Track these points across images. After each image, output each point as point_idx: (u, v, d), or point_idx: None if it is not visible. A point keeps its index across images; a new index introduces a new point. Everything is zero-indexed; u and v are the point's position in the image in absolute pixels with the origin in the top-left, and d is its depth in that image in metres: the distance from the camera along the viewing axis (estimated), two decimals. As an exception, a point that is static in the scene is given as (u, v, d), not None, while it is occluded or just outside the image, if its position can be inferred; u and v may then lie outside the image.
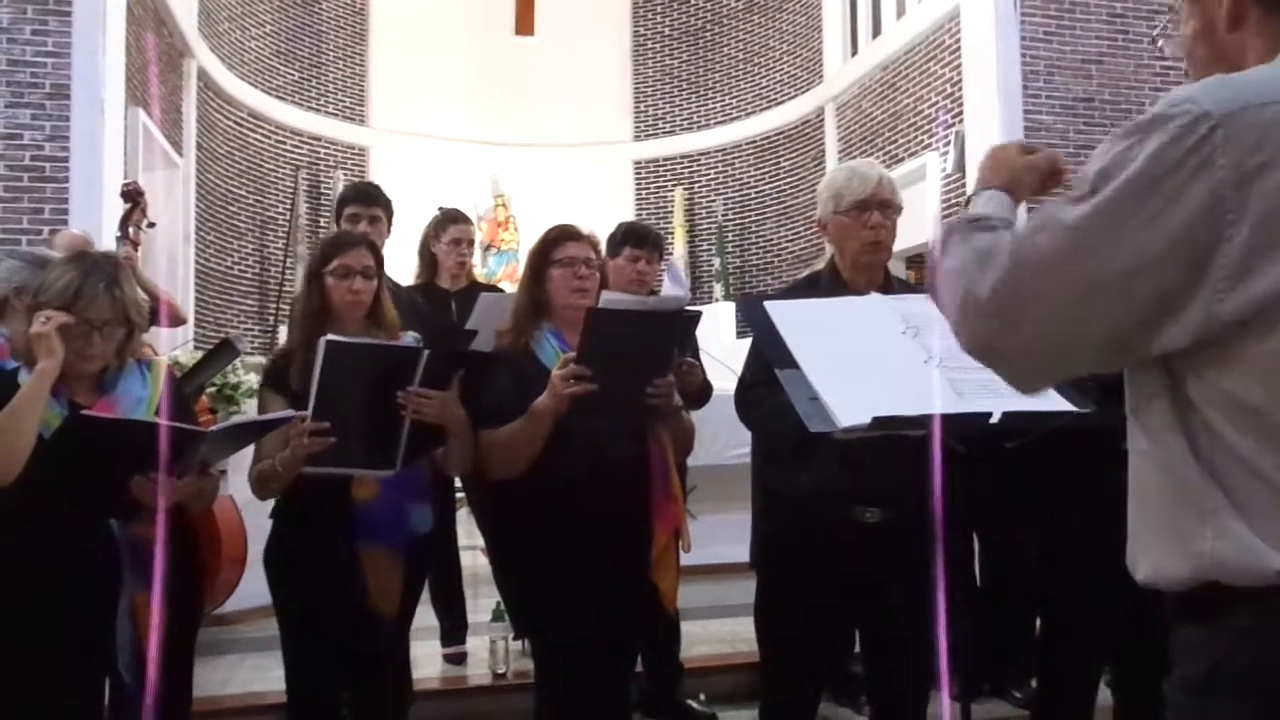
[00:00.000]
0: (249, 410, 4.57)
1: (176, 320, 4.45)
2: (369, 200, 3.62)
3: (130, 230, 4.01)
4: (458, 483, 3.69)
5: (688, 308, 2.62)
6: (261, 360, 5.25)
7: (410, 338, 2.51)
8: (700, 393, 3.12)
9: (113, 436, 2.05)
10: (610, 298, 2.44)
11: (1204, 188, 1.00)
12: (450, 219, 4.07)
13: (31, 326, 2.09)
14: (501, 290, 4.29)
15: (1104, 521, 2.45)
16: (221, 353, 3.40)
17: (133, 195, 4.12)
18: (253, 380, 4.73)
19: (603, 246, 2.80)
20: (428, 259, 4.08)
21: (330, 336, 2.24)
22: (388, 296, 2.54)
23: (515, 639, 3.61)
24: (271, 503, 2.47)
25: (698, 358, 3.17)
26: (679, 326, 2.54)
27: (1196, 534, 1.05)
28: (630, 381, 2.30)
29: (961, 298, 1.13)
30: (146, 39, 6.93)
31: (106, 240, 5.24)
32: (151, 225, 4.36)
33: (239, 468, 2.77)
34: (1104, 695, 2.69)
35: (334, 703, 2.46)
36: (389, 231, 3.65)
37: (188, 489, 2.17)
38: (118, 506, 2.12)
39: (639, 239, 3.47)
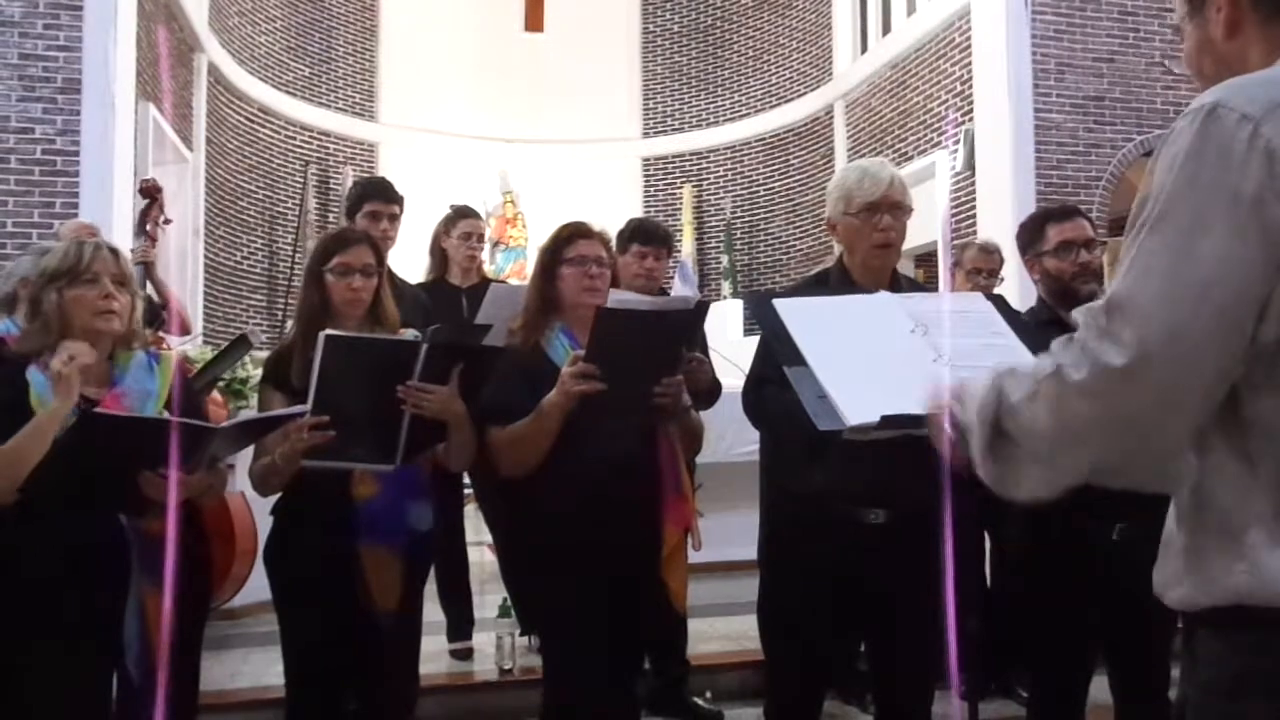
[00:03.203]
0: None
1: (184, 329, 4.48)
2: (390, 197, 3.62)
3: (149, 227, 4.04)
4: (465, 478, 3.70)
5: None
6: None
7: (410, 335, 2.50)
8: (709, 392, 3.12)
9: (124, 433, 2.05)
10: (619, 296, 2.44)
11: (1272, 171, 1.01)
12: (460, 214, 4.09)
13: (52, 361, 2.10)
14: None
15: (1108, 520, 2.46)
16: (237, 347, 3.42)
17: (151, 192, 4.15)
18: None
19: (613, 243, 2.79)
20: (438, 256, 4.08)
21: (329, 331, 2.24)
22: (388, 294, 2.54)
23: (522, 635, 3.62)
24: (273, 500, 2.47)
25: (706, 353, 3.17)
26: (688, 322, 2.54)
27: (1230, 568, 1.05)
28: (639, 380, 2.30)
29: (1085, 384, 1.04)
30: (157, 34, 6.94)
31: (115, 233, 5.27)
32: (168, 222, 4.38)
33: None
34: (1104, 695, 2.68)
35: (334, 699, 2.45)
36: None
37: (198, 484, 2.19)
38: (128, 502, 2.13)
39: (647, 236, 3.47)
